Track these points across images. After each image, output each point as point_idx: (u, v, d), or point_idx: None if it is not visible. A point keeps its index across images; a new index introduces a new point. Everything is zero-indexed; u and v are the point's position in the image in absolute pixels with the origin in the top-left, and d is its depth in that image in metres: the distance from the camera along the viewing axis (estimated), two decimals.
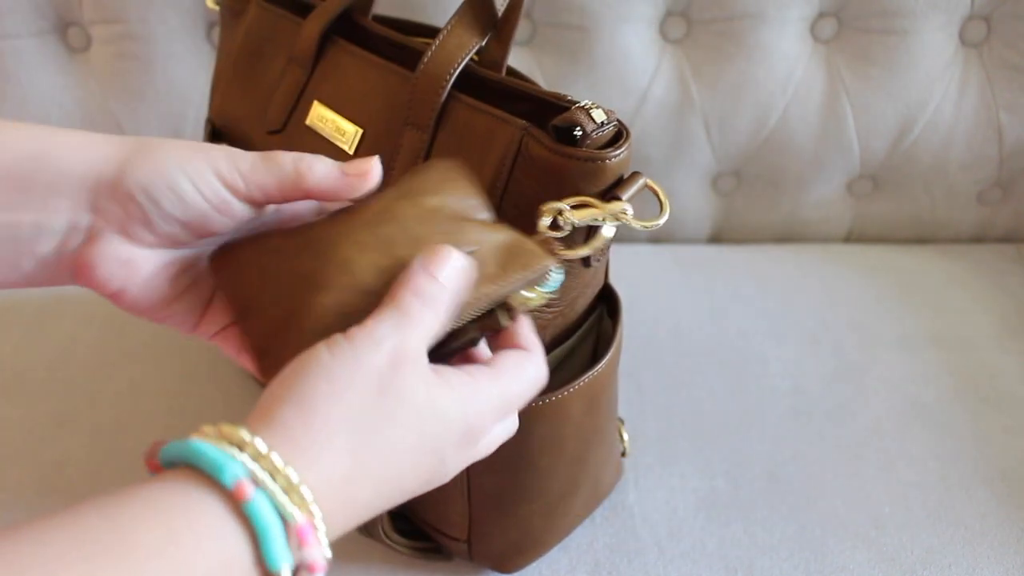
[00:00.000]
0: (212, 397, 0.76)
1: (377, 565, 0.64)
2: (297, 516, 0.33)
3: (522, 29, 0.88)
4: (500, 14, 0.55)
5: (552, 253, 0.45)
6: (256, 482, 0.33)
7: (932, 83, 0.88)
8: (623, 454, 0.69)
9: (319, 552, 0.33)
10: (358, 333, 0.37)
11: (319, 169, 0.43)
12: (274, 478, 0.33)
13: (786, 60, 0.87)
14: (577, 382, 0.55)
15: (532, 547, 0.63)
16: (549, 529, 0.63)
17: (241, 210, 0.43)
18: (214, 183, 0.41)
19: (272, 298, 0.42)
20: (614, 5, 0.85)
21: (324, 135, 0.59)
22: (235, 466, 0.32)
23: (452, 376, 0.40)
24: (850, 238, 1.00)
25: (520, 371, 0.43)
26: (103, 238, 0.42)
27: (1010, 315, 0.88)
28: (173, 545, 0.31)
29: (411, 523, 0.64)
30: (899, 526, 0.67)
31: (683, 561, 0.65)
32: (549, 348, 0.56)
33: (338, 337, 0.37)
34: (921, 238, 0.99)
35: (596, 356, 0.59)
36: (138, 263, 0.43)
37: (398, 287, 0.39)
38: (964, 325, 0.86)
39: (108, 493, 0.32)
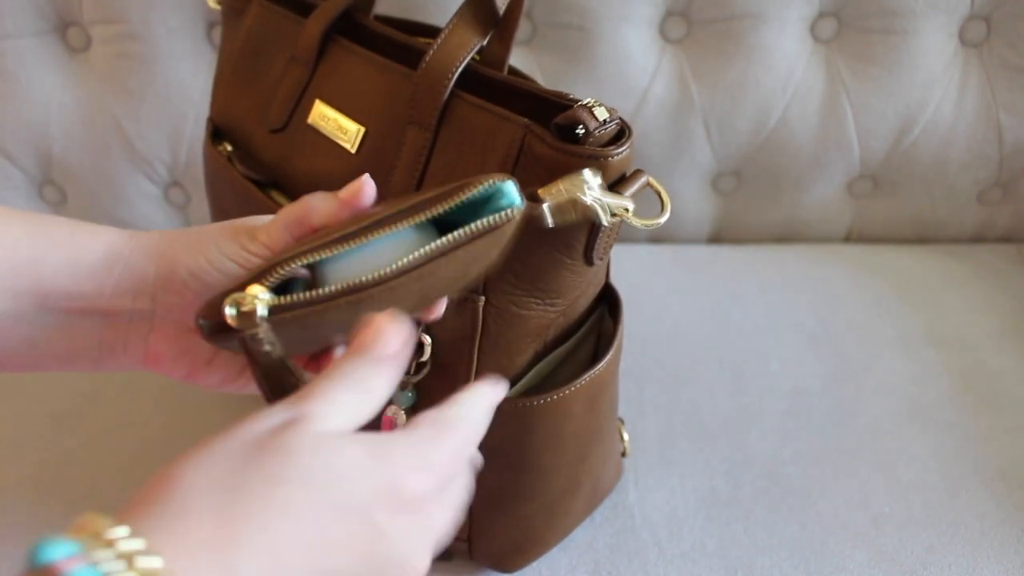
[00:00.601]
0: (212, 397, 0.76)
1: None
2: None
3: (522, 29, 0.88)
4: (501, 13, 0.55)
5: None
6: (87, 557, 0.28)
7: (932, 83, 0.88)
8: (623, 454, 0.69)
9: None
10: (247, 421, 0.34)
11: (321, 208, 0.44)
12: (110, 549, 0.29)
13: (786, 60, 0.87)
14: (578, 381, 0.55)
15: (532, 547, 0.63)
16: (549, 529, 0.63)
17: None
18: (250, 259, 0.44)
19: None
20: (614, 5, 0.85)
21: (326, 134, 0.59)
22: (56, 546, 0.28)
23: (355, 434, 0.35)
24: (850, 238, 1.00)
25: (438, 419, 0.37)
26: (165, 326, 0.46)
27: (1010, 315, 0.88)
28: None
29: None
30: (899, 526, 0.67)
31: (683, 561, 0.65)
32: (550, 348, 0.56)
33: (229, 429, 0.34)
34: (921, 238, 0.99)
35: (597, 356, 0.59)
36: (200, 349, 0.46)
37: (332, 371, 0.36)
38: (964, 325, 0.86)
39: None
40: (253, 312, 0.39)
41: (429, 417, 0.37)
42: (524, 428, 0.56)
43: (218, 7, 0.70)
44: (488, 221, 0.41)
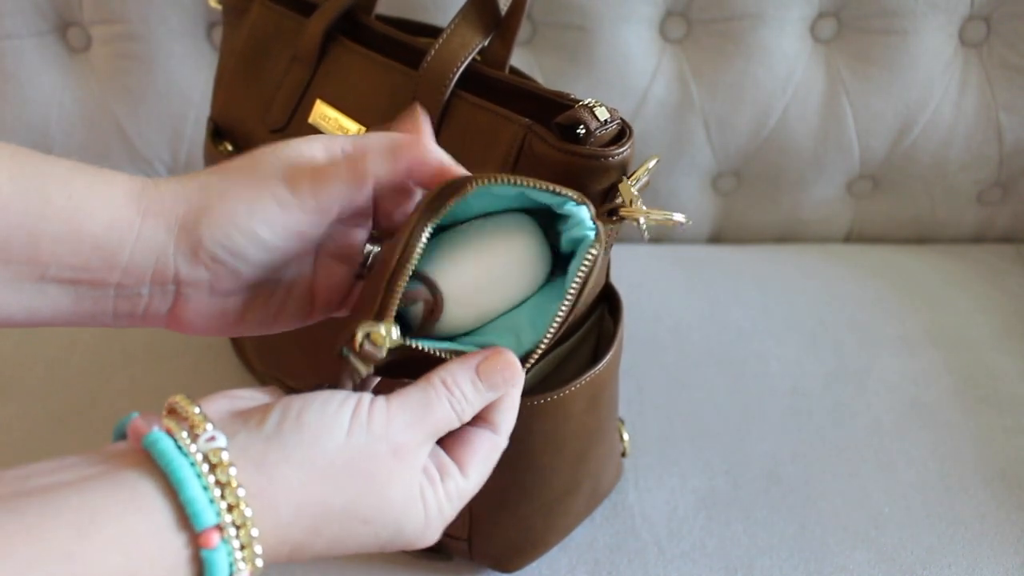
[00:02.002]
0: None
1: (377, 564, 0.64)
2: (242, 569, 0.33)
3: (522, 29, 0.87)
4: (503, 13, 0.55)
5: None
6: (222, 534, 0.32)
7: (932, 83, 0.88)
8: (623, 454, 0.69)
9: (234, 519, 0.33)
10: (378, 419, 0.37)
11: (378, 171, 0.41)
12: (237, 531, 0.33)
13: (786, 60, 0.87)
14: (578, 380, 0.55)
15: (532, 546, 0.63)
16: (549, 528, 0.63)
17: (312, 233, 0.42)
18: (287, 220, 0.41)
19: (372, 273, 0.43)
20: (614, 5, 0.85)
21: (327, 133, 0.59)
22: (210, 515, 0.32)
23: (428, 483, 0.39)
24: (850, 238, 1.00)
25: (484, 459, 0.42)
26: (192, 298, 0.42)
27: (1010, 315, 0.88)
28: (94, 521, 0.30)
29: None
30: (899, 526, 0.67)
31: (683, 561, 0.65)
32: (550, 348, 0.56)
33: (362, 417, 0.37)
34: (921, 238, 0.99)
35: (597, 355, 0.59)
36: (233, 308, 0.44)
37: (441, 377, 0.39)
38: (964, 325, 0.86)
39: (77, 493, 0.31)
40: (378, 351, 0.39)
41: (476, 475, 0.41)
42: (524, 428, 0.55)
43: (219, 7, 0.70)
44: (582, 271, 0.42)
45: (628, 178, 0.49)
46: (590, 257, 0.41)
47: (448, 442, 0.41)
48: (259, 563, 0.33)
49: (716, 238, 1.00)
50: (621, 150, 0.48)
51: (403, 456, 0.37)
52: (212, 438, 0.34)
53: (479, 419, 0.42)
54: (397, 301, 0.38)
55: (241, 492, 0.33)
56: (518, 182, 0.40)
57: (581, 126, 0.47)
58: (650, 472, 0.71)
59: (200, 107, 0.90)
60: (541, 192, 0.40)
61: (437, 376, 0.39)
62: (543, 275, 0.44)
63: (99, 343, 0.81)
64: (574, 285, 0.42)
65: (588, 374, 0.56)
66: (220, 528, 0.32)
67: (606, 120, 0.47)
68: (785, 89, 0.88)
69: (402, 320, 0.41)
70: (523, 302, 0.44)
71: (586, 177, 0.48)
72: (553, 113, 0.48)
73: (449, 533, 0.61)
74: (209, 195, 0.40)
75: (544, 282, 0.44)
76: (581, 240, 0.42)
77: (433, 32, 0.59)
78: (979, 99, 0.89)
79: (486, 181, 0.39)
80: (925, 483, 0.70)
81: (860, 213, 0.98)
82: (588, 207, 0.41)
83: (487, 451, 0.42)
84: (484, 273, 0.42)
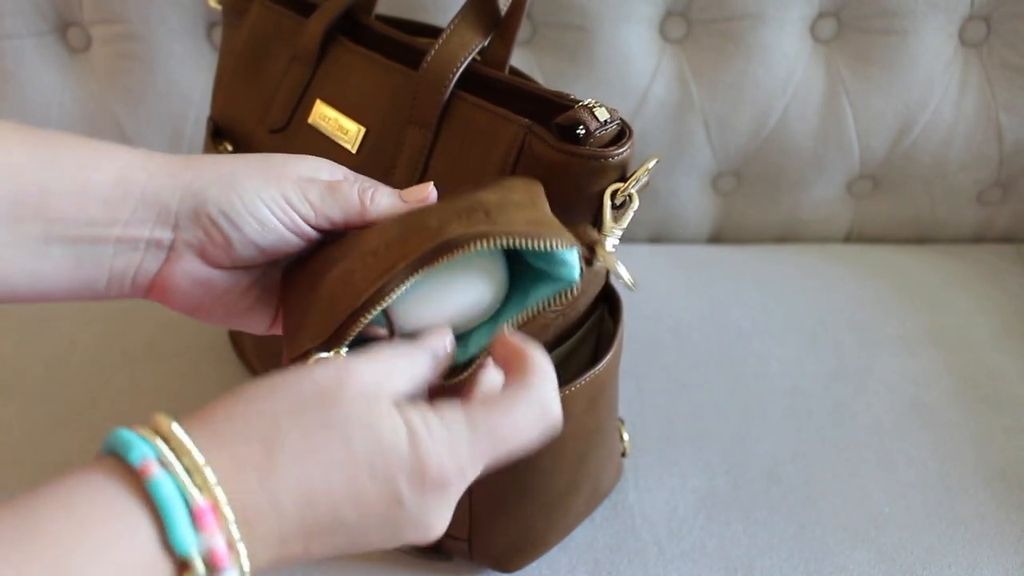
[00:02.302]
0: (212, 397, 0.76)
1: (377, 564, 0.64)
2: (197, 497, 0.32)
3: (522, 29, 0.87)
4: (503, 13, 0.55)
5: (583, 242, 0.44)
6: (163, 463, 0.32)
7: (932, 83, 0.88)
8: (623, 454, 0.69)
9: (220, 540, 0.32)
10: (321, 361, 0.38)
11: (383, 203, 0.45)
12: (180, 459, 0.32)
13: (786, 60, 0.87)
14: (579, 381, 0.55)
15: (532, 547, 0.63)
16: (550, 528, 0.63)
17: (311, 234, 0.45)
18: (289, 211, 0.44)
19: (304, 289, 0.44)
20: (614, 5, 0.85)
21: (326, 133, 0.59)
22: (142, 447, 0.32)
23: (404, 404, 0.37)
24: (850, 238, 1.00)
25: (493, 428, 0.38)
26: (182, 259, 0.44)
27: (1010, 315, 0.88)
28: (82, 535, 0.30)
29: None
30: (899, 526, 0.67)
31: (683, 561, 0.65)
32: (550, 348, 0.56)
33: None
34: (921, 238, 0.99)
35: (597, 355, 0.59)
36: (214, 283, 0.45)
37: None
38: (964, 325, 0.86)
39: (25, 492, 0.32)
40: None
41: (484, 418, 0.38)
42: None
43: (219, 7, 0.70)
44: (559, 302, 0.43)
45: (628, 179, 0.49)
46: (566, 298, 0.43)
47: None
48: (219, 493, 0.32)
49: (716, 238, 1.00)
50: (621, 150, 0.48)
51: (347, 379, 0.36)
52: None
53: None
54: (354, 334, 0.40)
55: (177, 428, 0.33)
56: (517, 243, 0.40)
57: (581, 126, 0.47)
58: (650, 472, 0.71)
59: (200, 107, 0.90)
60: (541, 246, 0.41)
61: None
62: (499, 300, 0.44)
63: (99, 343, 0.81)
64: (538, 305, 0.43)
65: (588, 374, 0.56)
66: (161, 461, 0.32)
67: (606, 120, 0.47)
68: (785, 89, 0.88)
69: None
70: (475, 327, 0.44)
71: (585, 178, 0.48)
72: (553, 113, 0.48)
73: (449, 533, 0.61)
74: (220, 168, 0.44)
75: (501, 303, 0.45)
76: (561, 278, 0.43)
77: (433, 32, 0.59)
78: (979, 99, 0.89)
79: (487, 244, 0.40)
80: (925, 483, 0.70)
81: (860, 213, 0.98)
82: (577, 250, 0.42)
83: (505, 394, 0.39)
84: (444, 309, 0.43)
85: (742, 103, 0.89)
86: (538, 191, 0.46)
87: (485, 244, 0.40)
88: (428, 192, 0.46)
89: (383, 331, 0.42)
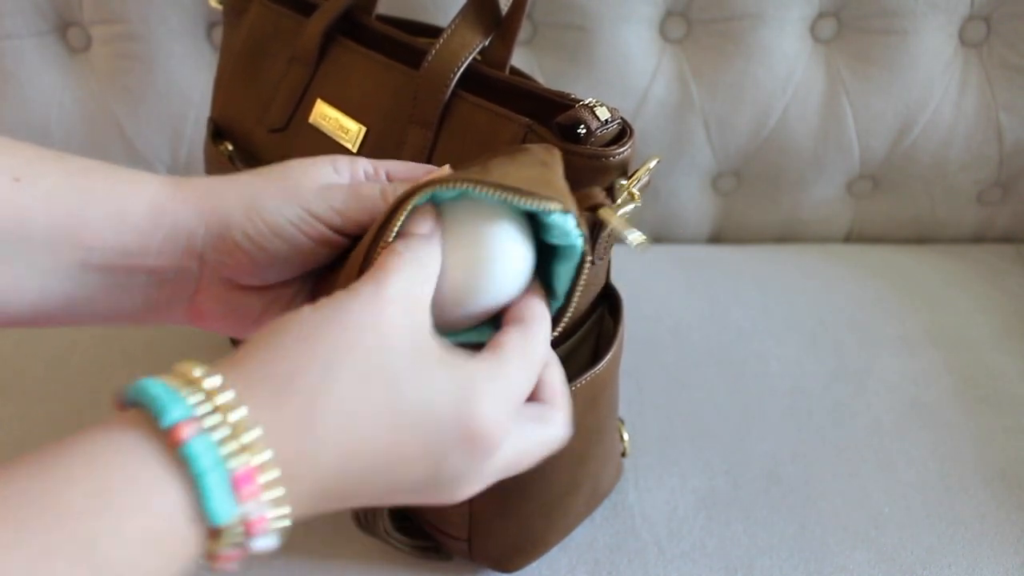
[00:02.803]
0: None
1: (377, 564, 0.64)
2: (237, 463, 0.30)
3: (522, 29, 0.87)
4: (504, 13, 0.55)
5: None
6: (198, 423, 0.30)
7: (932, 83, 0.88)
8: (623, 454, 0.69)
9: (259, 508, 0.30)
10: (340, 292, 0.36)
11: (400, 191, 0.43)
12: (219, 417, 0.30)
13: (786, 60, 0.87)
14: (579, 380, 0.55)
15: (532, 547, 0.63)
16: (550, 528, 0.63)
17: (341, 241, 0.45)
18: (316, 224, 0.43)
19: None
20: (614, 5, 0.85)
21: (327, 133, 0.59)
22: (177, 406, 0.30)
23: (455, 358, 0.36)
24: (850, 238, 1.00)
25: (544, 408, 0.40)
26: (212, 286, 0.44)
27: (1010, 315, 0.88)
28: (107, 503, 0.28)
29: (413, 521, 0.64)
30: (899, 526, 0.67)
31: (683, 561, 0.65)
32: (551, 347, 0.56)
33: (322, 298, 0.36)
34: (921, 238, 0.99)
35: (597, 355, 0.59)
36: (249, 305, 0.45)
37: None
38: (964, 325, 0.86)
39: (49, 446, 0.30)
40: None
41: (539, 396, 0.40)
42: None
43: (219, 7, 0.70)
44: (580, 277, 0.43)
45: (629, 178, 0.49)
46: (586, 269, 0.43)
47: None
48: (266, 454, 0.30)
49: (716, 238, 1.00)
50: (622, 150, 0.48)
51: (383, 309, 0.35)
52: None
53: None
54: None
55: (214, 380, 0.31)
56: (501, 194, 0.39)
57: (582, 126, 0.47)
58: (650, 472, 0.71)
59: (200, 107, 0.90)
60: (525, 204, 0.40)
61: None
62: (529, 273, 0.43)
63: (99, 343, 0.81)
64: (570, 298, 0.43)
65: (588, 374, 0.56)
66: (197, 420, 0.30)
67: (607, 120, 0.47)
68: (785, 89, 0.88)
69: None
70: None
71: (585, 177, 0.48)
72: (553, 113, 0.48)
73: (449, 533, 0.62)
74: (241, 190, 0.43)
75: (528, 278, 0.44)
76: (569, 249, 0.42)
77: (433, 33, 0.59)
78: (979, 99, 0.89)
79: (469, 185, 0.39)
80: (925, 483, 0.70)
81: (860, 213, 0.98)
82: (573, 215, 0.41)
83: (516, 335, 0.40)
84: (471, 270, 0.41)
85: (742, 103, 0.89)
86: (554, 157, 0.45)
87: (468, 186, 0.39)
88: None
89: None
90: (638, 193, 0.48)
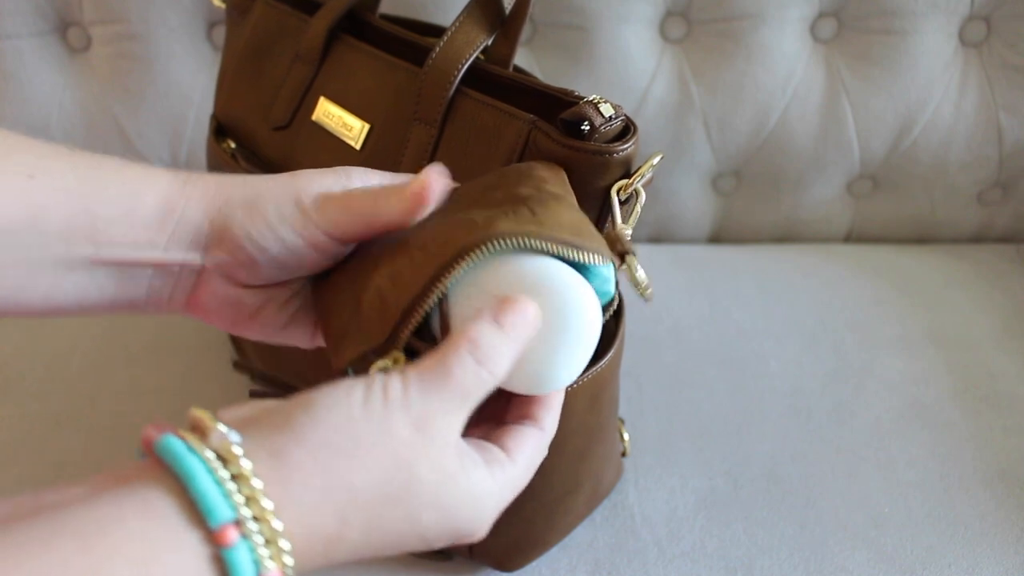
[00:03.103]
0: (212, 397, 0.76)
1: (377, 563, 0.64)
2: (269, 566, 0.32)
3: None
4: (508, 12, 0.55)
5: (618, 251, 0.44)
6: (241, 529, 0.32)
7: (932, 83, 0.88)
8: (623, 454, 0.69)
9: None
10: (395, 386, 0.36)
11: (395, 209, 0.44)
12: (259, 525, 0.32)
13: (786, 60, 0.87)
14: (580, 379, 0.55)
15: (533, 546, 0.63)
16: (550, 528, 0.63)
17: (339, 250, 0.45)
18: (312, 230, 0.44)
19: (346, 294, 0.44)
20: (614, 5, 0.85)
21: (330, 131, 0.59)
22: (224, 509, 0.32)
23: (468, 467, 0.38)
24: (850, 238, 1.00)
25: (529, 453, 0.42)
26: (212, 281, 0.45)
27: (1010, 315, 0.88)
28: None
29: None
30: (899, 526, 0.67)
31: (683, 561, 0.65)
32: None
33: (376, 388, 0.36)
34: (921, 238, 0.99)
35: (598, 354, 0.59)
36: (245, 303, 0.46)
37: (456, 334, 0.38)
38: (964, 325, 0.86)
39: (85, 506, 0.31)
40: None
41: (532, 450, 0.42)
42: None
43: (222, 5, 0.70)
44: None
45: (633, 175, 0.49)
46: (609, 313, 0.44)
47: (493, 436, 0.41)
48: (288, 560, 0.32)
49: (716, 238, 1.00)
50: (625, 146, 0.48)
51: (426, 428, 0.36)
52: (224, 435, 0.33)
53: (522, 417, 0.43)
54: (411, 331, 0.40)
55: (257, 483, 0.32)
56: (545, 246, 0.40)
57: (585, 122, 0.47)
58: (650, 472, 0.71)
59: (200, 107, 0.90)
60: (578, 260, 0.41)
61: (453, 336, 0.38)
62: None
63: (99, 343, 0.81)
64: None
65: (589, 372, 0.56)
66: (239, 524, 0.32)
67: (610, 116, 0.48)
68: (785, 89, 0.88)
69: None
70: None
71: (590, 173, 0.48)
72: (557, 109, 0.49)
73: None
74: (247, 191, 0.44)
75: None
76: (600, 293, 0.43)
77: (436, 32, 0.59)
78: (979, 99, 0.89)
79: (534, 243, 0.40)
80: (925, 483, 0.70)
81: (860, 213, 0.98)
82: (614, 265, 0.42)
83: (534, 443, 0.42)
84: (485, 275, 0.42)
85: (742, 103, 0.89)
86: (564, 179, 0.46)
87: (532, 243, 0.39)
88: (428, 184, 0.45)
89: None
90: (642, 189, 0.48)
